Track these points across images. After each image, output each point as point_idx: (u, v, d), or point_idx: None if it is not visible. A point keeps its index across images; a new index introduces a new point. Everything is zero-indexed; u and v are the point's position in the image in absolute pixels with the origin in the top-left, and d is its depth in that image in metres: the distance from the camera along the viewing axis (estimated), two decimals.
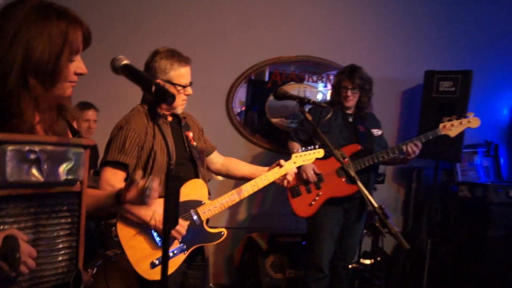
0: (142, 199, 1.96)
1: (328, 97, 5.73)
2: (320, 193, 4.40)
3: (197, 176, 3.14)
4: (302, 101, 2.99)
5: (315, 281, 4.51)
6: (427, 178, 6.00)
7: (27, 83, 1.64)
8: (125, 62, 1.78)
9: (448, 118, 4.32)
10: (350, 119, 4.55)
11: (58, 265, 1.79)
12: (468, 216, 5.75)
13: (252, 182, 3.22)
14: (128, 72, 1.76)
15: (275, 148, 5.86)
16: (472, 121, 4.32)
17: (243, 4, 5.73)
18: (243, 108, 5.88)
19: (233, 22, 5.69)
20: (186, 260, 3.08)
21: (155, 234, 2.96)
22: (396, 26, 6.07)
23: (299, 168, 3.49)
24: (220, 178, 4.33)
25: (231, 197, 3.16)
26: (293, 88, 5.81)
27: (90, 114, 4.97)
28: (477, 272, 5.54)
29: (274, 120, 5.85)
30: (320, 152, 3.47)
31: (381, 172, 5.24)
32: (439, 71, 5.50)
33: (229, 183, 4.66)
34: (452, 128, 4.31)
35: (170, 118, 3.14)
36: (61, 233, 1.80)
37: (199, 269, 3.24)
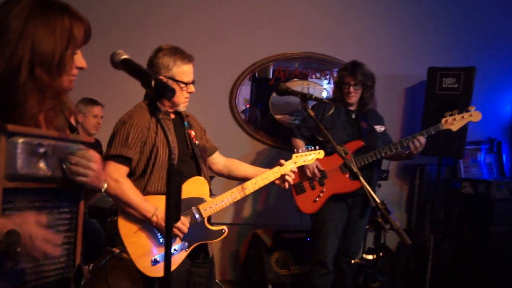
0: None
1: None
2: (324, 190, 4.41)
3: (199, 174, 3.14)
4: (304, 96, 2.93)
5: (319, 277, 4.51)
6: (430, 175, 6.00)
7: (34, 74, 1.66)
8: (124, 56, 1.78)
9: (450, 112, 4.33)
10: (353, 116, 4.56)
11: (58, 260, 1.80)
12: (471, 212, 5.75)
13: (253, 180, 3.23)
14: (128, 66, 1.77)
15: (279, 144, 5.88)
16: (474, 115, 4.33)
17: (246, 0, 5.76)
18: (247, 106, 5.90)
19: (236, 19, 5.71)
20: (189, 258, 3.09)
21: (156, 230, 2.97)
22: (399, 23, 6.08)
23: (302, 165, 3.51)
24: None
25: (233, 195, 3.17)
26: (296, 85, 5.83)
27: (98, 110, 5.01)
28: (479, 268, 5.55)
29: (277, 116, 5.87)
30: (320, 153, 3.46)
31: (384, 169, 5.25)
32: (442, 67, 5.51)
33: (233, 181, 4.69)
34: (454, 122, 4.32)
35: (173, 116, 3.14)
36: (61, 228, 1.81)
37: (204, 267, 3.24)
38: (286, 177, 3.26)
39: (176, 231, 2.91)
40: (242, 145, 5.83)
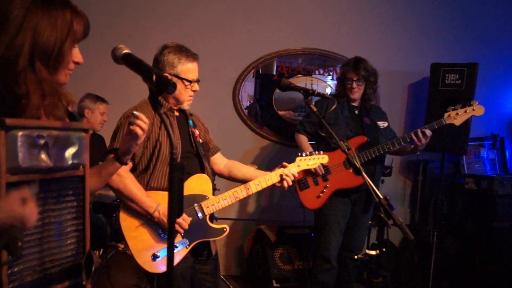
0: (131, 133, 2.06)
1: None
2: (328, 185, 4.42)
3: (202, 171, 3.15)
4: (307, 92, 2.91)
5: (323, 273, 4.53)
6: (434, 171, 6.01)
7: (34, 65, 1.69)
8: (125, 51, 1.79)
9: (453, 107, 4.34)
10: (356, 111, 4.56)
11: (67, 248, 1.83)
12: (474, 208, 5.76)
13: (256, 181, 3.22)
14: (129, 61, 1.78)
15: (282, 140, 5.91)
16: (477, 109, 4.33)
17: None
18: (251, 102, 5.92)
19: (240, 14, 5.73)
20: (192, 255, 3.10)
21: (158, 226, 2.97)
22: (402, 19, 6.08)
23: None
24: None
25: (235, 194, 3.17)
26: (300, 81, 5.85)
27: (103, 107, 5.08)
28: (483, 264, 5.55)
29: (281, 112, 5.89)
30: (324, 158, 3.45)
31: (388, 165, 5.26)
32: (445, 63, 5.51)
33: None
34: (457, 117, 4.32)
35: (177, 113, 3.15)
36: (68, 216, 1.84)
37: (208, 263, 3.25)
38: (284, 176, 3.23)
39: (176, 226, 2.92)
40: (246, 141, 5.85)
